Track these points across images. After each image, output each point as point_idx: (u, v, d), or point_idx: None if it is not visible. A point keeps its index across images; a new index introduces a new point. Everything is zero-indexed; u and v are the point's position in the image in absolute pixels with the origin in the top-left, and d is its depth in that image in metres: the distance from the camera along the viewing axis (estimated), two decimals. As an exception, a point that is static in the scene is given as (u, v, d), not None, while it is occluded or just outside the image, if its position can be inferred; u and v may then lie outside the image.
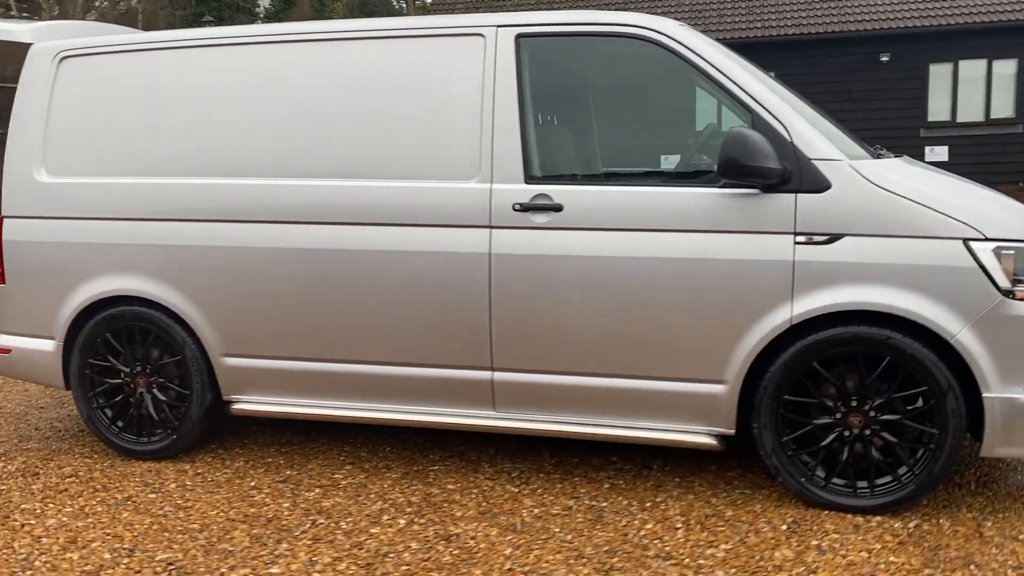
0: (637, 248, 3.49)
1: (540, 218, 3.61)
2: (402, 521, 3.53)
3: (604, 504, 3.63)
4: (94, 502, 3.82)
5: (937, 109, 16.64)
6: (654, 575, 3.04)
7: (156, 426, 4.27)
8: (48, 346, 4.35)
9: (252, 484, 3.96)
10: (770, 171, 3.26)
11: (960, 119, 16.59)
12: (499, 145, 3.66)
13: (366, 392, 3.95)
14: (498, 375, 3.75)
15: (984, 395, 3.25)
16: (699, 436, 3.58)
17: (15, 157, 4.34)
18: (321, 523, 3.53)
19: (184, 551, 3.32)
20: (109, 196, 4.16)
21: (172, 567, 3.21)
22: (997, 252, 3.22)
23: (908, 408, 3.38)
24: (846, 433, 3.42)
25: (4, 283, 4.40)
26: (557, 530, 3.40)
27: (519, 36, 3.70)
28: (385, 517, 3.57)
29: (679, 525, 3.42)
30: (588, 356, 3.61)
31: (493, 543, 3.31)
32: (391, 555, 3.24)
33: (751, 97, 3.42)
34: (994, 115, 16.50)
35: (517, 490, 3.79)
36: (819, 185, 3.34)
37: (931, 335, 3.29)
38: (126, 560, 3.26)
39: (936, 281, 3.24)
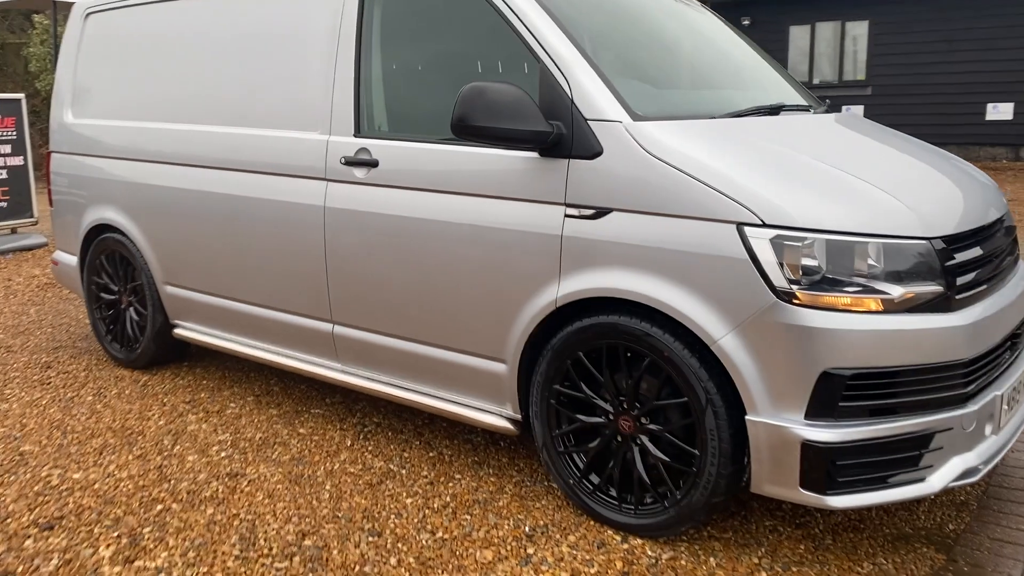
0: (439, 210, 3.27)
1: (360, 173, 3.52)
2: (223, 454, 3.74)
3: (403, 471, 3.53)
4: (48, 396, 4.52)
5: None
6: (346, 547, 2.95)
7: (130, 339, 4.89)
8: (73, 261, 5.15)
9: (166, 400, 4.41)
10: (516, 133, 2.87)
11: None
12: (338, 96, 3.61)
13: (257, 332, 4.17)
14: (337, 328, 3.76)
15: (747, 418, 2.63)
16: (493, 417, 3.31)
17: (56, 101, 5.13)
18: (164, 443, 3.86)
19: (43, 445, 3.86)
20: (98, 135, 4.77)
21: (21, 456, 3.75)
22: (777, 243, 2.56)
23: (682, 420, 2.85)
24: (618, 437, 2.97)
25: (52, 207, 5.26)
26: (328, 487, 3.40)
27: (365, -15, 3.58)
28: (214, 449, 3.80)
29: (436, 506, 3.23)
30: (403, 320, 3.49)
31: (256, 490, 3.40)
32: (172, 481, 3.48)
33: (541, 47, 3.00)
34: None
35: (350, 443, 3.81)
36: (590, 150, 2.88)
37: (696, 337, 2.72)
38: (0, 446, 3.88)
39: (702, 272, 2.66)
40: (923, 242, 2.61)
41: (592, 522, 3.06)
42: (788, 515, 3.12)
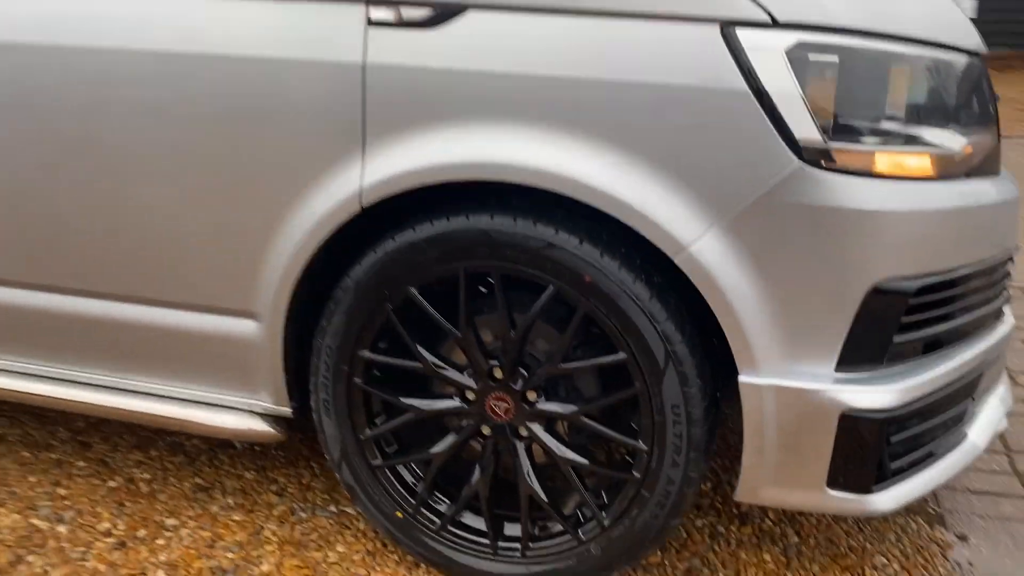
0: (97, 26, 1.65)
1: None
2: None
3: (62, 527, 1.93)
4: None
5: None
6: None
7: None
8: None
9: None
10: None
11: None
12: None
13: None
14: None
15: (742, 379, 1.48)
16: (234, 416, 1.83)
17: None
18: None
19: None
20: None
21: None
22: (798, 57, 1.38)
23: (609, 394, 1.64)
24: (483, 431, 1.69)
25: None
26: (-101, 594, 1.72)
27: None
28: None
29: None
30: (44, 254, 1.83)
31: None
32: None
33: None
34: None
35: (35, 480, 2.10)
36: None
37: (644, 246, 1.49)
38: None
39: (654, 121, 1.41)
40: (976, 60, 1.60)
41: (441, 579, 1.78)
42: (722, 505, 2.07)
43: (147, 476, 2.15)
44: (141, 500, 2.05)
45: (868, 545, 1.93)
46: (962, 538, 1.96)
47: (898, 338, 1.48)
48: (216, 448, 2.28)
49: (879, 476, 1.51)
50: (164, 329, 1.80)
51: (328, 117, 1.54)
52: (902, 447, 1.54)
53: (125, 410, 1.88)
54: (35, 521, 1.96)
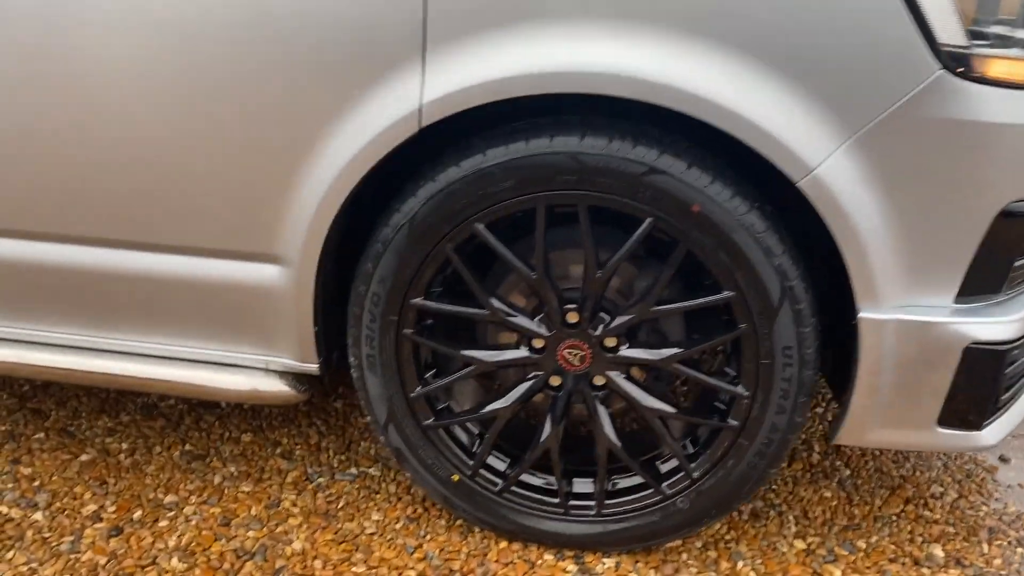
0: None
1: None
2: None
3: (119, 512, 1.64)
4: None
5: None
6: None
7: None
8: None
9: None
10: None
11: None
12: None
13: None
14: None
15: (863, 314, 1.34)
16: (247, 376, 1.57)
17: None
18: None
19: None
20: None
21: None
22: (945, -49, 1.21)
23: (704, 338, 1.48)
24: (553, 383, 1.50)
25: None
26: None
27: None
28: None
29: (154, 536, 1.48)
30: (19, 193, 1.49)
31: None
32: None
33: None
34: None
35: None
36: None
37: (758, 167, 1.31)
38: None
39: (778, 19, 1.22)
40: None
41: (509, 545, 1.60)
42: (764, 439, 1.98)
43: (125, 446, 1.86)
44: (125, 475, 1.77)
45: (918, 474, 1.88)
46: (1004, 460, 1.94)
47: (1018, 265, 1.37)
48: (198, 409, 2.00)
49: (993, 409, 1.43)
50: (163, 279, 1.51)
51: (380, 16, 1.26)
52: (1010, 379, 1.45)
53: (109, 375, 1.59)
54: (2, 508, 1.65)
